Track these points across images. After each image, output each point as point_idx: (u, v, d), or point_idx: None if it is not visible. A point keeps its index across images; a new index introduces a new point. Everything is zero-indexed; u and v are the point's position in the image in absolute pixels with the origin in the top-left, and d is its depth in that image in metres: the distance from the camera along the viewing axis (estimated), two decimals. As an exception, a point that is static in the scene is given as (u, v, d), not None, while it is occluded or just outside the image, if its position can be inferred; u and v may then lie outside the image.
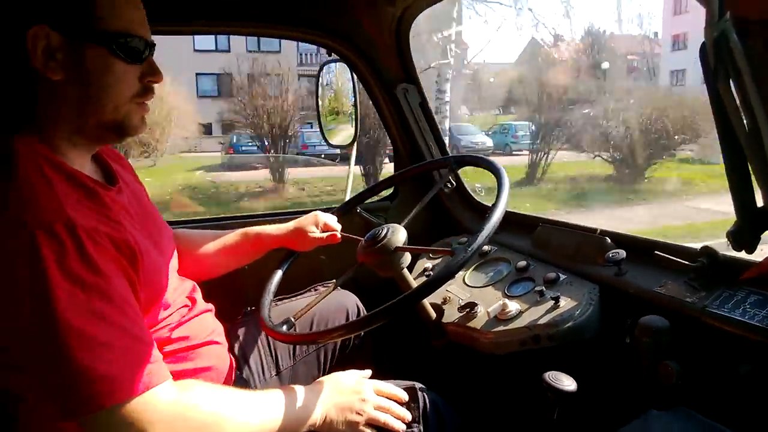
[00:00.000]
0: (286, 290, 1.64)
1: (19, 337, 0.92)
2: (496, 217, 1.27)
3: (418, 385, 1.34)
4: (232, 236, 1.63)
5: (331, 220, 1.64)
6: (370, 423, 1.23)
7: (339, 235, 1.61)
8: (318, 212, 1.65)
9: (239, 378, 1.42)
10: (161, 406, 0.97)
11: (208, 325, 1.36)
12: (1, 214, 0.92)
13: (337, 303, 1.65)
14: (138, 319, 1.01)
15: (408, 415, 1.27)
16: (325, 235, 1.60)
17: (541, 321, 1.38)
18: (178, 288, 1.31)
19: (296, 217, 1.66)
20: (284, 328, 1.33)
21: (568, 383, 1.19)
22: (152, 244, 1.16)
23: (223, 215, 2.29)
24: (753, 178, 0.94)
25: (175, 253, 1.36)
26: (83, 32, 1.03)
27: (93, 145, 1.15)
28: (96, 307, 0.93)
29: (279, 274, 1.57)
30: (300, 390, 1.21)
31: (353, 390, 1.26)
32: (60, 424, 1.01)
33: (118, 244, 1.01)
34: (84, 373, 0.90)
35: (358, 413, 1.23)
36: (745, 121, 0.89)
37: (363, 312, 1.68)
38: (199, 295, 1.40)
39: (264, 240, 1.62)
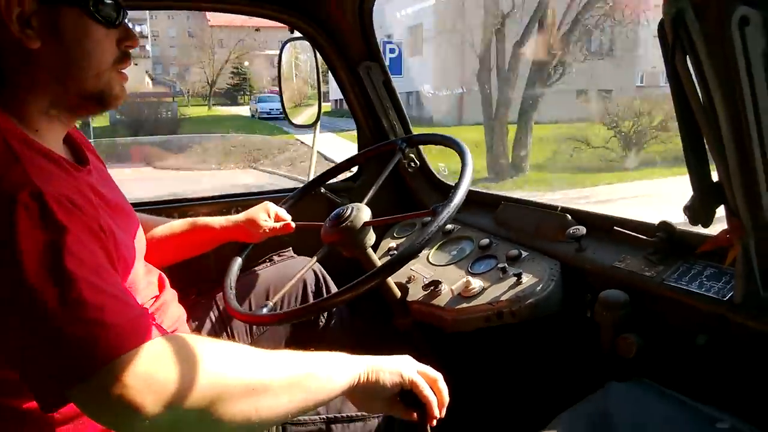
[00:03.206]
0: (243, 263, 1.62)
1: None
2: (465, 183, 1.30)
3: None
4: (179, 224, 1.59)
5: (281, 211, 1.62)
6: (409, 398, 1.07)
7: (293, 224, 1.59)
8: (268, 202, 1.63)
9: None
10: (151, 364, 0.86)
11: (174, 312, 1.35)
12: None
13: (295, 274, 1.52)
14: (118, 282, 0.95)
15: (445, 400, 1.10)
16: (278, 225, 1.58)
17: (504, 297, 1.39)
18: (146, 275, 1.29)
19: (256, 202, 1.63)
20: (264, 311, 1.33)
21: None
22: (122, 227, 1.13)
23: (183, 197, 2.23)
24: (708, 153, 0.96)
25: (143, 239, 1.33)
26: None
27: (71, 117, 1.11)
28: (71, 270, 0.87)
29: (238, 261, 1.56)
30: (330, 354, 1.05)
31: (401, 360, 1.10)
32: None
33: (95, 217, 0.97)
34: (73, 340, 0.84)
35: (401, 375, 1.06)
36: (700, 97, 0.91)
37: (325, 289, 1.64)
38: (166, 282, 1.38)
39: (212, 231, 1.58)
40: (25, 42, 0.98)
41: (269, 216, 1.59)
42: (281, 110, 2.38)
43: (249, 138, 21.43)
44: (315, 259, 1.45)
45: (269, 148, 19.17)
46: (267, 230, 1.57)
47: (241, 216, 1.60)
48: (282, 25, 2.12)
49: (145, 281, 1.25)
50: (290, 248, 1.49)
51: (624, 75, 17.58)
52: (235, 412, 0.89)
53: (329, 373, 0.99)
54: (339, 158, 2.29)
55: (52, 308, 0.86)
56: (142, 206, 1.92)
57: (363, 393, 1.03)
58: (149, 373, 0.86)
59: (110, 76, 1.08)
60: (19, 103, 1.02)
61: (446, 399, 1.09)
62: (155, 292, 1.31)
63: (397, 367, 1.06)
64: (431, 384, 1.08)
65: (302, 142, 17.73)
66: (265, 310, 1.31)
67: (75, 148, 1.19)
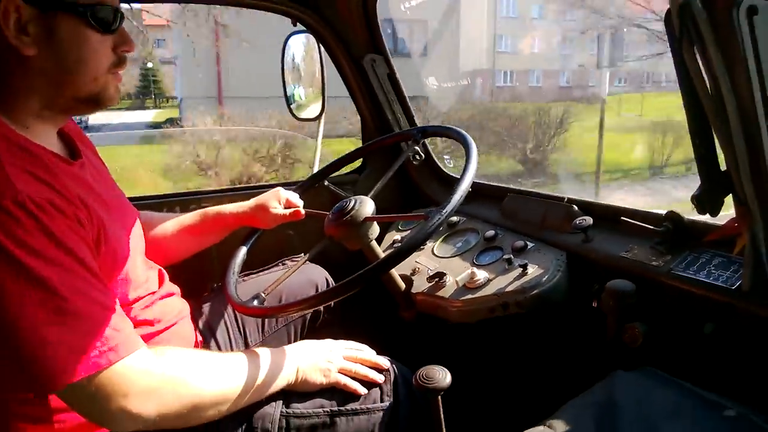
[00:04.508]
0: (254, 265, 1.64)
1: None
2: (467, 182, 1.28)
3: (387, 359, 1.34)
4: (190, 217, 1.59)
5: (293, 196, 1.62)
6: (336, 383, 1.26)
7: (303, 211, 1.59)
8: (279, 188, 1.63)
9: None
10: (136, 375, 0.98)
11: (174, 307, 1.36)
12: None
13: (307, 277, 1.64)
14: (105, 290, 1.00)
15: (378, 377, 1.28)
16: (288, 211, 1.58)
17: (510, 288, 1.39)
18: (145, 269, 1.29)
19: (259, 193, 1.64)
20: (255, 303, 1.32)
21: (441, 378, 1.09)
22: (116, 221, 1.14)
23: (185, 191, 2.24)
24: (716, 142, 0.96)
25: (141, 235, 1.34)
26: (53, 2, 1.00)
27: (63, 117, 1.13)
28: (60, 279, 0.92)
29: (243, 250, 1.55)
30: (274, 351, 1.23)
31: (322, 351, 1.28)
32: (36, 408, 1.02)
33: (78, 218, 0.99)
34: (56, 346, 0.90)
35: (324, 374, 1.24)
36: (708, 87, 0.91)
37: (332, 284, 1.67)
38: (166, 277, 1.39)
39: (224, 219, 1.59)
40: (20, 49, 0.99)
41: (280, 203, 1.59)
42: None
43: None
44: (317, 247, 1.44)
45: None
46: (277, 216, 1.57)
47: (251, 202, 1.60)
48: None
49: (144, 276, 1.26)
50: (302, 254, 1.48)
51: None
52: (204, 416, 1.09)
53: (271, 379, 1.19)
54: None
55: (37, 316, 0.90)
56: (143, 200, 1.92)
57: (300, 389, 1.24)
58: (133, 383, 0.98)
59: (106, 79, 1.10)
60: (11, 103, 1.03)
61: (383, 365, 1.30)
62: (155, 287, 1.31)
63: (324, 365, 1.26)
64: (360, 362, 1.29)
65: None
66: (255, 302, 1.31)
67: (69, 142, 1.20)
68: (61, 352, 0.91)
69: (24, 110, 1.05)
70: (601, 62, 11.94)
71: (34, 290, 0.89)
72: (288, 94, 2.37)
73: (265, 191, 1.63)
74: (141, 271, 1.25)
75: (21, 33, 0.99)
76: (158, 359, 1.04)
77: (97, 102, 1.11)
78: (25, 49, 0.99)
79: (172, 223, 1.57)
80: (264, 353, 1.20)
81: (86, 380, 0.93)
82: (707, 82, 0.91)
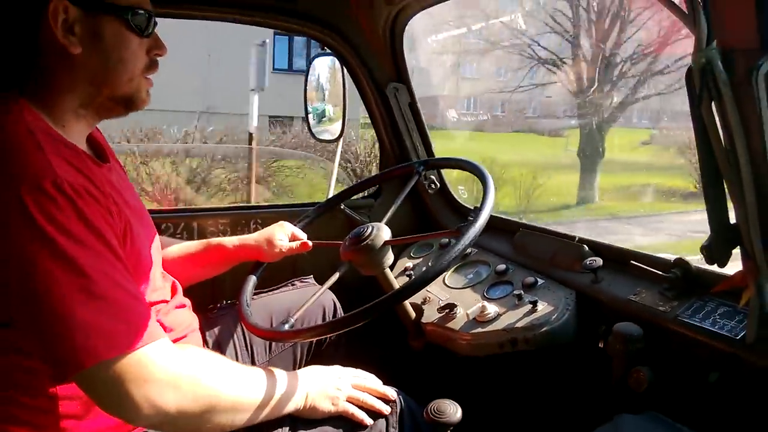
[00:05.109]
0: (263, 283, 1.64)
1: (14, 293, 0.93)
2: (486, 212, 1.31)
3: (394, 390, 1.34)
4: (194, 246, 1.60)
5: (297, 230, 1.63)
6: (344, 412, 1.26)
7: (310, 243, 1.59)
8: (284, 222, 1.63)
9: None
10: (158, 363, 0.98)
11: (185, 319, 1.37)
12: None
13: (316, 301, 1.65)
14: (131, 279, 1.02)
15: (384, 408, 1.27)
16: (294, 244, 1.58)
17: (519, 324, 1.40)
18: (161, 279, 1.31)
19: (272, 212, 1.64)
20: (271, 326, 1.34)
21: (452, 412, 1.16)
22: (141, 227, 1.17)
23: (202, 206, 2.26)
24: (728, 195, 0.99)
25: (160, 246, 1.36)
26: (99, 4, 1.06)
27: (97, 117, 1.18)
28: (91, 261, 0.94)
29: (253, 279, 1.55)
30: (285, 373, 1.23)
31: (331, 378, 1.28)
32: (56, 389, 1.03)
33: (109, 209, 1.03)
34: (81, 326, 0.91)
35: (333, 402, 1.24)
36: (723, 142, 0.94)
37: (339, 310, 1.69)
38: (179, 289, 1.41)
39: (227, 252, 1.59)
40: (68, 47, 1.05)
41: (285, 235, 1.59)
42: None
43: None
44: (336, 275, 1.45)
45: None
46: (283, 250, 1.57)
47: (256, 235, 1.61)
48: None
49: (160, 283, 1.29)
50: (311, 275, 1.49)
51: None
52: (219, 422, 1.07)
53: (282, 398, 1.18)
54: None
55: (65, 295, 0.92)
56: (152, 213, 1.95)
57: (308, 415, 1.23)
58: (155, 371, 0.98)
59: (140, 81, 1.16)
60: (51, 100, 1.08)
61: (390, 396, 1.29)
62: (168, 296, 1.33)
63: (333, 392, 1.25)
64: (368, 391, 1.29)
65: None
66: (286, 327, 1.31)
67: (97, 148, 1.24)
68: (87, 332, 0.92)
69: (63, 108, 1.09)
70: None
71: (65, 269, 0.92)
72: (309, 114, 2.41)
73: (279, 213, 1.65)
74: (158, 279, 1.27)
75: (68, 33, 1.04)
76: (181, 353, 1.05)
77: (131, 103, 1.16)
78: (72, 48, 1.05)
79: (175, 249, 1.59)
80: (276, 373, 1.21)
81: (109, 362, 0.93)
82: (722, 137, 0.94)
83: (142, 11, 1.12)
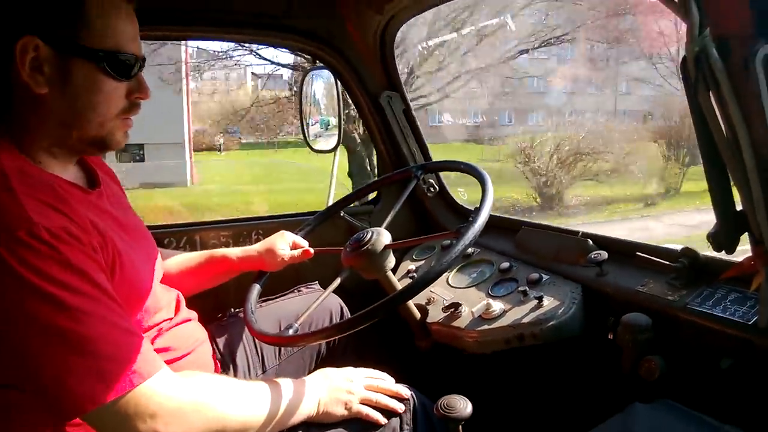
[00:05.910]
0: (269, 290, 1.65)
1: (7, 350, 0.92)
2: (485, 212, 1.32)
3: (407, 387, 1.35)
4: (196, 257, 1.61)
5: (298, 238, 1.64)
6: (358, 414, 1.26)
7: (312, 250, 1.61)
8: (285, 231, 1.65)
9: None
10: (162, 396, 0.98)
11: (192, 333, 1.37)
12: None
13: (322, 305, 1.64)
14: (123, 314, 1.01)
15: (398, 407, 1.28)
16: (296, 252, 1.60)
17: (525, 320, 1.41)
18: (162, 296, 1.31)
19: (273, 223, 1.65)
20: (277, 331, 1.34)
21: (462, 407, 1.17)
22: (133, 248, 1.16)
23: (202, 220, 2.26)
24: (732, 182, 0.99)
25: (161, 261, 1.36)
26: (72, 46, 1.02)
27: (73, 156, 1.15)
28: (77, 304, 0.93)
29: (257, 287, 1.57)
30: (294, 382, 1.24)
31: (343, 381, 1.28)
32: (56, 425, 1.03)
33: (92, 244, 1.00)
34: (74, 372, 0.91)
35: (346, 407, 1.25)
36: (723, 130, 0.95)
37: (347, 313, 1.71)
38: (182, 303, 1.41)
39: (230, 263, 1.60)
40: (32, 86, 1.01)
41: (286, 244, 1.60)
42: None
43: None
44: (338, 280, 1.46)
45: None
46: (285, 258, 1.59)
47: (258, 245, 1.62)
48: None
49: (161, 302, 1.28)
50: (316, 281, 1.50)
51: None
52: None
53: (293, 410, 1.19)
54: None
55: (52, 341, 0.91)
56: (154, 229, 1.95)
57: (321, 421, 1.24)
58: (160, 404, 0.98)
59: (114, 124, 1.11)
60: (23, 139, 1.05)
61: (403, 393, 1.30)
62: (171, 313, 1.33)
63: (345, 397, 1.26)
64: (381, 391, 1.29)
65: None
66: (290, 331, 1.32)
67: (88, 170, 1.22)
68: (85, 377, 0.92)
69: (35, 146, 1.06)
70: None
71: (51, 315, 0.90)
72: (305, 126, 2.43)
73: (279, 223, 1.66)
74: (159, 297, 1.26)
75: (35, 71, 1.01)
76: (184, 381, 1.05)
77: (103, 146, 1.13)
78: (36, 87, 1.01)
79: (177, 261, 1.59)
80: (285, 384, 1.21)
81: (112, 404, 0.93)
82: (723, 126, 0.94)
83: (125, 54, 1.08)
